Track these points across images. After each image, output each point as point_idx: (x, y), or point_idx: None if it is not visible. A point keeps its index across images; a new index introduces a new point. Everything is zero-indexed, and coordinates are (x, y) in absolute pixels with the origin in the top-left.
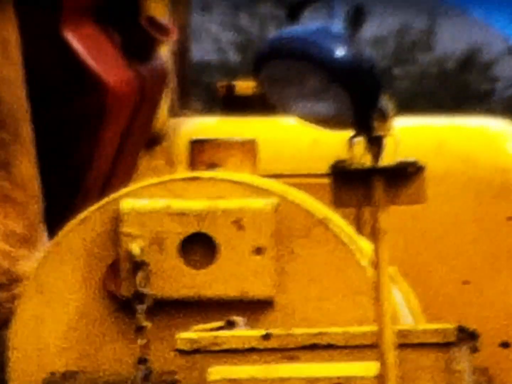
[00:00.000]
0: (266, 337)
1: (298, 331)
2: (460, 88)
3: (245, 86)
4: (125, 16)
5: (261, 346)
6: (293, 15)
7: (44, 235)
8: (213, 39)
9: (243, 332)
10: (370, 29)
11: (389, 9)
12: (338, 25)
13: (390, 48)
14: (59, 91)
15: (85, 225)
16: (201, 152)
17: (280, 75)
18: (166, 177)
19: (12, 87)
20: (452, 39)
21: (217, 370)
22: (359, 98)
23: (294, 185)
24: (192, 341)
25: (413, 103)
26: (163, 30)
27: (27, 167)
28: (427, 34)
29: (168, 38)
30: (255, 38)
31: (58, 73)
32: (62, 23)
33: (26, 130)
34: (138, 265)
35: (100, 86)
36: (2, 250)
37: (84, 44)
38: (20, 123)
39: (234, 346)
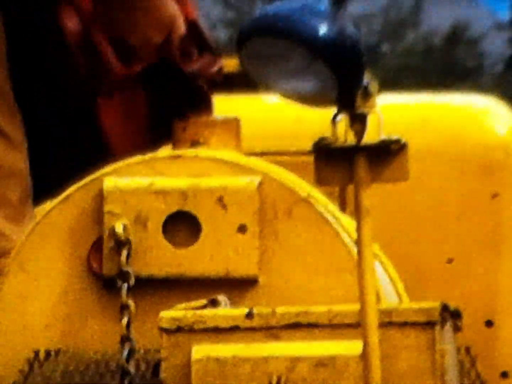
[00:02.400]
0: (249, 315)
1: (281, 309)
2: (447, 64)
3: (229, 63)
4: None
5: (244, 325)
6: None
7: (30, 211)
8: (203, 15)
9: (227, 311)
10: (358, 6)
11: None
12: (322, 3)
13: (377, 25)
14: None
15: (68, 203)
16: (184, 130)
17: (263, 52)
18: (149, 155)
19: None
20: (439, 15)
21: (201, 349)
22: (342, 76)
23: (277, 163)
24: (175, 319)
25: (400, 79)
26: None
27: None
28: (414, 10)
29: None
30: (245, 14)
31: None
32: None
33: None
34: (121, 244)
35: None
36: None
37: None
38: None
39: (217, 324)
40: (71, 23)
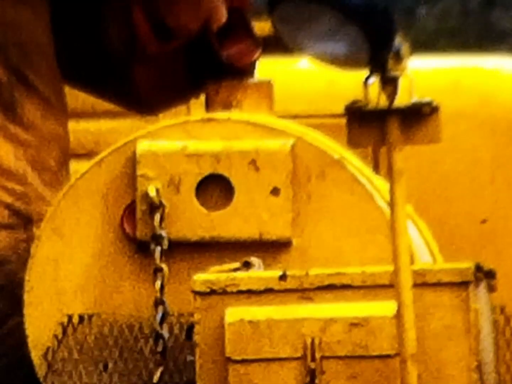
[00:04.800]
0: (283, 277)
1: (314, 271)
2: (484, 26)
3: (260, 27)
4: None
5: (278, 287)
6: None
7: (68, 177)
8: None
9: (260, 273)
10: None
11: None
12: None
13: None
14: None
15: (101, 166)
16: (216, 93)
17: (294, 16)
18: (182, 119)
19: (28, 29)
20: None
21: (234, 311)
22: (374, 38)
23: (310, 126)
24: (208, 282)
25: (437, 41)
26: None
27: (34, 109)
28: None
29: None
30: None
31: None
32: None
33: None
34: (154, 207)
35: None
36: (14, 190)
37: None
38: (34, 66)
39: (250, 287)
40: None
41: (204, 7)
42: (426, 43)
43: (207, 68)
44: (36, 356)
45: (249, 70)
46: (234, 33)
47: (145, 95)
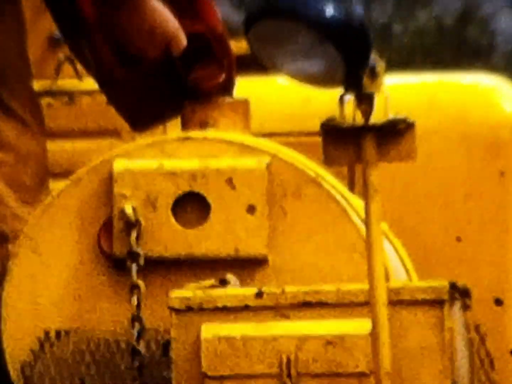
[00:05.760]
0: (259, 295)
1: (290, 288)
2: (459, 43)
3: (237, 45)
4: None
5: (254, 304)
6: None
7: (43, 195)
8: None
9: (236, 290)
10: None
11: None
12: None
13: (389, 5)
14: None
15: (78, 185)
16: (192, 112)
17: (269, 34)
18: (158, 137)
19: (1, 51)
20: None
21: (210, 328)
22: (349, 56)
23: (286, 144)
24: (185, 299)
25: (413, 59)
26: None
27: (9, 129)
28: None
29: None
30: None
31: None
32: None
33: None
34: (131, 225)
35: None
36: None
37: None
38: (7, 86)
39: (227, 304)
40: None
41: (160, 35)
42: (401, 61)
43: (178, 90)
44: (13, 370)
45: (215, 92)
46: (198, 58)
47: (123, 115)
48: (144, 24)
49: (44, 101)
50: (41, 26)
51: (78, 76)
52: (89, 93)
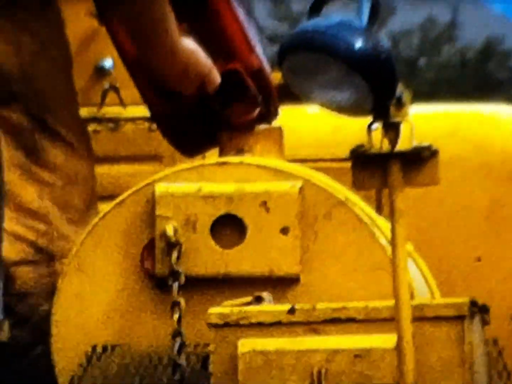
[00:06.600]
0: (291, 311)
1: (321, 305)
2: (481, 77)
3: (274, 76)
4: None
5: (286, 320)
6: (316, 9)
7: (91, 216)
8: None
9: (270, 307)
10: (397, 23)
11: (415, 4)
12: (358, 19)
13: (416, 40)
14: None
15: (122, 207)
16: (229, 138)
17: (301, 66)
18: (197, 162)
19: (47, 79)
20: (473, 31)
21: (246, 342)
22: (377, 87)
23: (317, 169)
24: (223, 315)
25: (436, 92)
26: None
27: (57, 152)
28: (450, 26)
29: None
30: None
31: None
32: None
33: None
34: (172, 245)
35: None
36: (37, 229)
37: None
38: (53, 112)
39: (261, 320)
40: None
41: (194, 74)
42: (426, 93)
43: (214, 123)
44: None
45: (249, 126)
46: (233, 94)
47: (173, 143)
48: (178, 64)
49: (91, 127)
50: (87, 57)
51: (122, 104)
52: (133, 120)
